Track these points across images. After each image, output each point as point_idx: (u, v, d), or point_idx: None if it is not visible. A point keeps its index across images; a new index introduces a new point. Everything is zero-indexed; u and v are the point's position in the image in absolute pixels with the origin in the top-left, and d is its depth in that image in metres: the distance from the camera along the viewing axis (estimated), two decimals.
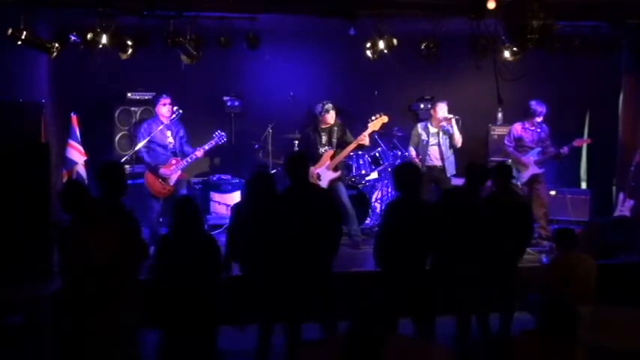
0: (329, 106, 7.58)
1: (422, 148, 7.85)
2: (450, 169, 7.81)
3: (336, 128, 7.65)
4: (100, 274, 4.25)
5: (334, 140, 7.62)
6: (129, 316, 4.44)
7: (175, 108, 7.25)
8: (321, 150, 7.60)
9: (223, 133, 7.38)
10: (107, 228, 4.37)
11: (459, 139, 7.77)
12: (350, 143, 7.59)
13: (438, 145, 7.80)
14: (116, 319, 4.32)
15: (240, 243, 5.09)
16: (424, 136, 7.84)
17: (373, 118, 7.70)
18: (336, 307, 5.18)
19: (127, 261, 4.43)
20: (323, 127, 7.64)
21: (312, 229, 5.05)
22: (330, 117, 7.60)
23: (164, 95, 7.26)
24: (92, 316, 4.24)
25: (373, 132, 7.78)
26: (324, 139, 7.65)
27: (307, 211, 5.07)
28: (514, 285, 5.47)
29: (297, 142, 8.50)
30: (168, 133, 7.23)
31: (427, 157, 7.83)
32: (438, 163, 7.81)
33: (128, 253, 4.42)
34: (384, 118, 7.69)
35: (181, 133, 7.31)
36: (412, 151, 7.92)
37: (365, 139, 7.51)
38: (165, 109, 7.20)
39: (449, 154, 7.81)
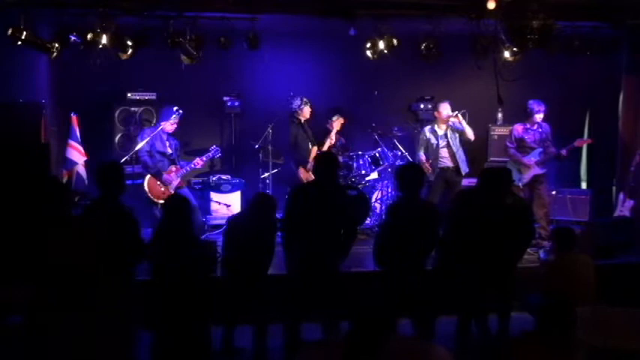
0: (306, 99, 7.87)
1: (432, 151, 7.83)
2: (464, 168, 7.79)
3: (307, 123, 7.96)
4: (82, 274, 4.22)
5: (312, 137, 7.85)
6: (122, 316, 4.43)
7: (175, 108, 7.26)
8: (310, 145, 7.78)
9: (218, 148, 7.74)
10: (93, 228, 4.36)
11: (470, 133, 7.74)
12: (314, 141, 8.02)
13: (448, 145, 7.78)
14: (105, 319, 4.30)
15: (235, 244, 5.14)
16: (433, 140, 7.82)
17: (334, 118, 8.10)
18: (332, 306, 5.18)
19: (118, 262, 4.42)
20: (303, 120, 7.82)
21: (329, 227, 5.07)
22: (308, 110, 7.86)
23: (179, 112, 7.24)
24: (73, 316, 4.21)
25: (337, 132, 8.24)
26: (308, 132, 7.86)
27: (328, 210, 5.09)
28: (512, 286, 5.47)
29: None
30: (167, 143, 7.33)
31: (439, 159, 7.79)
32: (451, 164, 7.78)
33: (118, 254, 4.41)
34: (341, 119, 8.16)
35: (177, 145, 7.48)
36: (422, 156, 7.90)
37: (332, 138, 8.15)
38: (172, 127, 7.28)
39: (460, 153, 7.80)
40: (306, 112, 7.91)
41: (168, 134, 7.31)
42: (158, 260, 4.61)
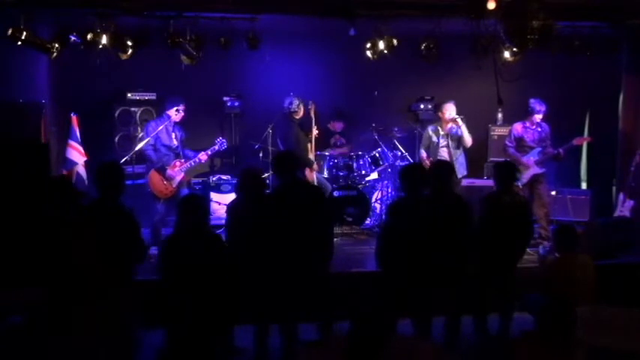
0: (299, 97, 7.86)
1: (433, 150, 7.92)
2: (461, 170, 7.83)
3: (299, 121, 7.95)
4: (85, 274, 4.23)
5: (307, 136, 7.88)
6: (123, 316, 4.44)
7: (179, 108, 7.25)
8: (307, 144, 7.80)
9: (224, 140, 7.51)
10: (92, 229, 4.37)
11: (468, 139, 7.81)
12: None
13: (447, 147, 7.85)
14: (108, 319, 4.30)
15: (236, 243, 5.12)
16: (434, 138, 7.90)
17: (310, 107, 8.05)
18: (331, 306, 5.18)
19: (119, 262, 4.42)
20: (298, 120, 7.82)
21: (305, 226, 5.06)
22: (302, 109, 7.88)
23: (182, 102, 7.18)
24: (77, 316, 4.22)
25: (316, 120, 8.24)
26: (305, 131, 7.88)
27: (300, 209, 5.08)
28: (513, 285, 5.47)
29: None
30: (173, 135, 7.23)
31: (437, 158, 7.85)
32: None
33: (120, 254, 4.41)
34: (313, 105, 8.09)
35: (183, 136, 7.35)
36: (423, 153, 8.02)
37: (315, 130, 8.14)
38: (178, 116, 7.18)
39: (457, 155, 7.84)
40: (302, 110, 7.92)
41: (175, 124, 7.23)
42: (175, 258, 4.58)
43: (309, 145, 7.97)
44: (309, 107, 8.07)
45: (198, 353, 4.51)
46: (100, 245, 4.32)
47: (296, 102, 7.85)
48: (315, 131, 8.13)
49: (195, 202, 4.74)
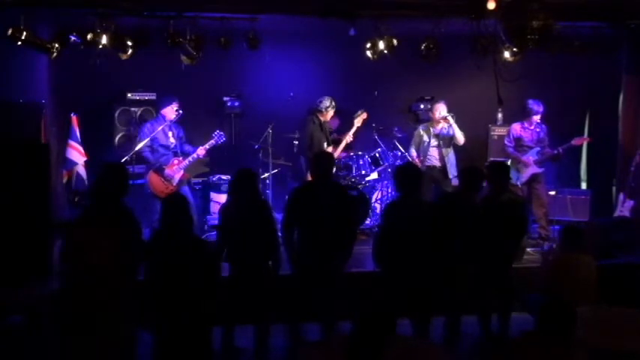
0: (334, 102, 7.82)
1: (423, 149, 7.97)
2: (452, 170, 7.86)
3: (326, 124, 7.85)
4: (100, 274, 4.25)
5: (329, 137, 7.80)
6: (127, 317, 4.44)
7: (175, 108, 7.24)
8: (326, 145, 7.79)
9: (222, 133, 7.44)
10: (108, 229, 4.37)
11: (460, 138, 7.86)
12: (333, 140, 7.94)
13: (438, 146, 7.90)
14: (115, 320, 4.31)
15: (231, 243, 5.12)
16: (425, 137, 7.96)
17: (357, 114, 7.96)
18: (334, 306, 5.18)
19: (127, 262, 4.43)
20: (323, 122, 7.78)
21: (331, 226, 5.06)
22: (332, 113, 7.88)
23: (175, 100, 7.21)
24: (92, 317, 4.24)
25: (357, 129, 8.06)
26: (326, 132, 7.86)
27: (329, 208, 5.09)
28: (511, 283, 5.47)
29: (296, 142, 8.50)
30: (170, 134, 7.23)
31: (428, 157, 7.93)
32: (438, 163, 7.91)
33: (128, 255, 4.42)
34: (364, 115, 7.98)
35: (181, 134, 7.33)
36: (413, 152, 8.09)
37: (350, 137, 8.00)
38: (173, 114, 7.18)
39: (448, 155, 7.86)
40: (330, 114, 7.88)
41: (172, 122, 7.22)
42: (156, 259, 4.59)
43: (325, 145, 7.87)
44: (356, 115, 7.99)
45: (185, 353, 4.51)
46: (123, 245, 4.34)
47: (326, 103, 7.82)
48: (349, 138, 8.05)
49: (173, 203, 4.75)
